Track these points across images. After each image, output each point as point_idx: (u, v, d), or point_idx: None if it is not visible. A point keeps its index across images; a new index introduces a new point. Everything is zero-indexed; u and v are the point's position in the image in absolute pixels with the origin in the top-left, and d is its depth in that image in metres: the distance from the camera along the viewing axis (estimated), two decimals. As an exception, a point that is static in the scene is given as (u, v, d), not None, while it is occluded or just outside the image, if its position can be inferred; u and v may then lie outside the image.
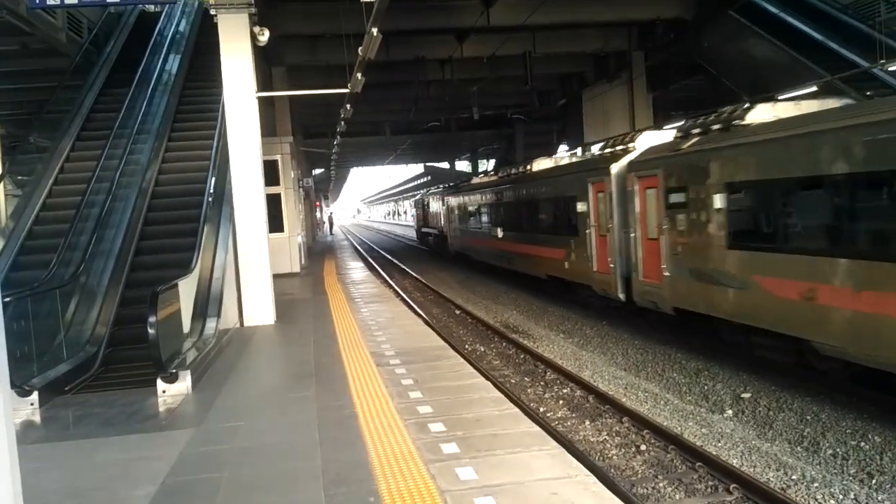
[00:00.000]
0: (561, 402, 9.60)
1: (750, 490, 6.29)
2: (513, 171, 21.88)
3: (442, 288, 21.81)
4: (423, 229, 41.91)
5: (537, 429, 5.72)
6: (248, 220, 11.62)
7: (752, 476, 6.60)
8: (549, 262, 17.57)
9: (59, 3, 12.69)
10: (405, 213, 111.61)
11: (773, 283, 9.15)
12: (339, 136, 30.95)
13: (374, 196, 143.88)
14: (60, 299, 8.87)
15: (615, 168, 13.56)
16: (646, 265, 12.53)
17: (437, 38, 23.31)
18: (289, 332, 11.22)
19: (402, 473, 4.84)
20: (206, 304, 9.95)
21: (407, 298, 18.81)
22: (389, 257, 36.16)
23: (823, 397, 8.79)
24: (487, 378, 8.69)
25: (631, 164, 13.11)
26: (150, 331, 6.95)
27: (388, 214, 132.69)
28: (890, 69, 15.02)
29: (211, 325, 9.72)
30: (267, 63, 20.70)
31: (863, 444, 7.41)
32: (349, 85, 14.53)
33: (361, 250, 41.05)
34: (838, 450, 7.33)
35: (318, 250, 34.37)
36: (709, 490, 6.56)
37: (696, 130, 11.26)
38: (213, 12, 11.21)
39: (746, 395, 9.25)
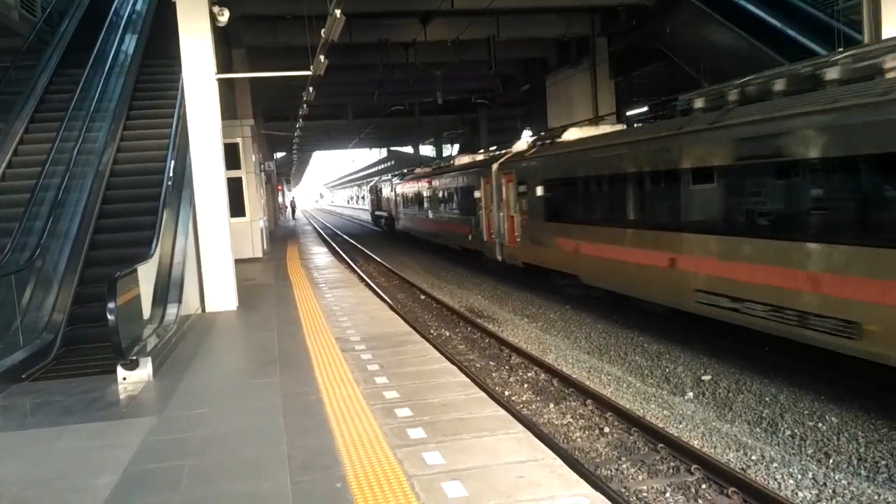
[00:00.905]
0: (526, 385, 9.67)
1: (711, 471, 6.40)
2: (442, 164, 27.22)
3: (407, 273, 21.77)
4: (377, 212, 47.89)
5: (503, 413, 5.76)
6: (208, 203, 11.46)
7: (712, 457, 6.72)
8: (460, 236, 22.67)
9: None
10: (365, 197, 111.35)
11: (563, 241, 14.34)
12: (301, 120, 30.60)
13: (337, 180, 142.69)
14: (16, 285, 8.65)
15: (494, 166, 18.29)
16: (508, 235, 17.56)
17: (401, 21, 23.11)
18: (252, 318, 11.11)
19: (368, 459, 4.82)
20: (167, 289, 9.78)
21: (372, 284, 18.74)
22: (354, 242, 35.94)
23: (781, 379, 8.97)
24: (453, 363, 8.72)
25: (500, 164, 18.06)
26: (110, 317, 6.77)
27: (352, 199, 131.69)
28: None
29: (172, 311, 9.57)
30: (227, 44, 20.32)
31: (820, 424, 7.58)
32: (311, 68, 14.34)
33: (325, 235, 40.75)
34: (796, 430, 7.49)
35: (281, 235, 34.05)
36: (671, 471, 6.67)
37: (539, 143, 16.41)
38: (171, -9, 10.97)
39: (707, 378, 9.41)
